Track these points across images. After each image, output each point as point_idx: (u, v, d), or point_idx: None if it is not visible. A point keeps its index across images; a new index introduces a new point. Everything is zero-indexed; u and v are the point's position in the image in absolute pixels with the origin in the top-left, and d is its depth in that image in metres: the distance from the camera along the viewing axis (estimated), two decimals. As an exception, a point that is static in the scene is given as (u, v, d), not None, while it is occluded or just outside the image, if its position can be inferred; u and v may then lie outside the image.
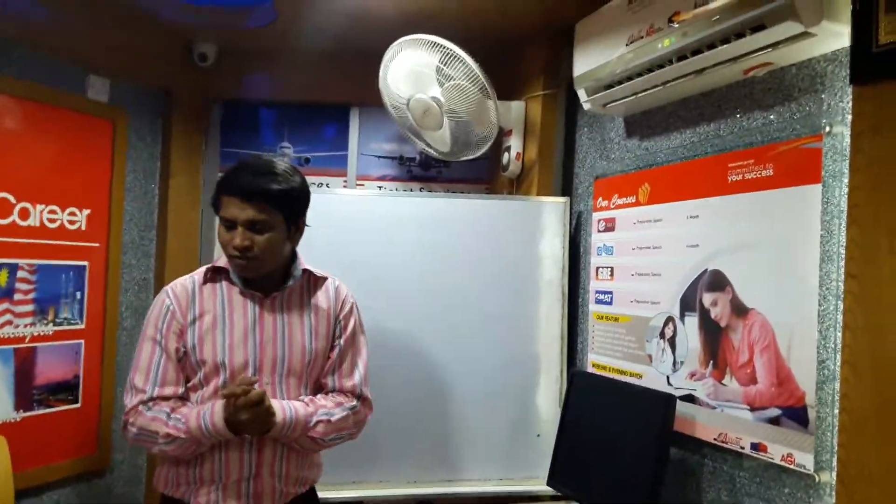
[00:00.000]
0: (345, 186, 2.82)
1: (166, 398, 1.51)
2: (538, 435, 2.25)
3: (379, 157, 2.85)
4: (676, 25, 1.62)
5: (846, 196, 1.32)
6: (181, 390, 1.54)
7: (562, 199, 2.32)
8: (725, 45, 1.52)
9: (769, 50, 1.48)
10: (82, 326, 2.37)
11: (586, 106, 2.06)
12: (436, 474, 2.21)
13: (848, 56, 1.27)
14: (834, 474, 1.39)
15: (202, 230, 2.73)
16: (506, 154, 2.49)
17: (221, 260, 1.60)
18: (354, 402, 1.64)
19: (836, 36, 1.40)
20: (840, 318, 1.37)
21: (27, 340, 2.19)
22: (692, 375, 1.77)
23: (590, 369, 2.19)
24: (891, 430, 1.13)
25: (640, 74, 1.78)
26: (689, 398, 1.77)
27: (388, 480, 2.19)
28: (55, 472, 2.27)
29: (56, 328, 2.28)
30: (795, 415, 1.49)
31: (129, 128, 2.54)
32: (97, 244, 2.42)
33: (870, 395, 1.16)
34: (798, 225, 1.50)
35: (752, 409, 1.59)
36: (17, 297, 2.16)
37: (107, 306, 2.44)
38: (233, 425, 1.44)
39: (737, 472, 1.65)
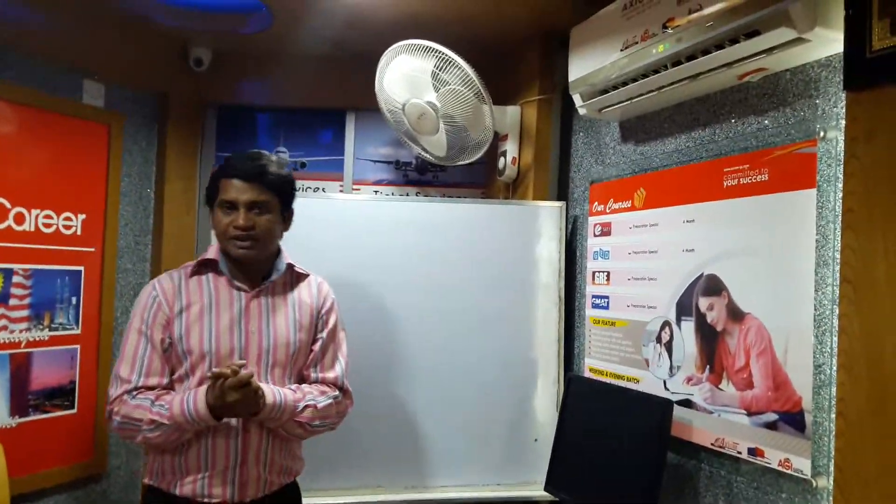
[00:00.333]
0: (341, 191, 2.82)
1: (151, 388, 1.53)
2: (535, 440, 2.25)
3: (375, 161, 2.85)
4: (671, 31, 1.62)
5: (841, 201, 1.33)
6: (166, 381, 1.56)
7: (558, 204, 2.32)
8: (720, 51, 1.52)
9: (763, 55, 1.48)
10: (78, 332, 2.36)
11: (581, 111, 2.06)
12: (433, 479, 2.21)
13: (842, 62, 1.27)
14: (831, 479, 1.39)
15: (198, 234, 2.72)
16: (501, 159, 2.50)
17: (209, 253, 1.65)
18: (337, 392, 1.69)
19: (829, 42, 1.40)
20: (836, 322, 1.38)
21: (23, 346, 2.18)
22: (689, 380, 1.77)
23: (587, 374, 2.19)
24: (887, 435, 1.13)
25: (634, 79, 1.78)
26: (686, 403, 1.77)
27: (384, 486, 2.19)
28: (51, 478, 2.26)
29: (52, 333, 2.27)
30: (792, 419, 1.49)
31: (124, 132, 2.54)
32: (92, 249, 2.41)
33: (866, 399, 1.16)
34: (793, 229, 1.50)
35: (749, 414, 1.59)
36: (12, 302, 2.15)
37: (102, 311, 2.44)
38: (217, 410, 1.46)
39: (734, 477, 1.65)
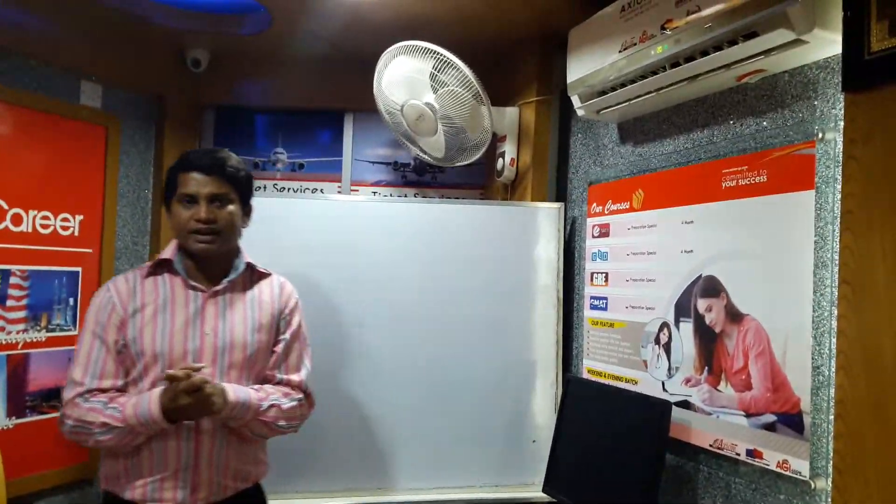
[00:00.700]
0: (339, 192, 2.82)
1: (104, 390, 1.51)
2: (534, 441, 2.25)
3: (373, 162, 2.85)
4: (669, 32, 1.62)
5: (839, 202, 1.33)
6: (120, 383, 1.54)
7: (556, 205, 2.32)
8: (718, 52, 1.52)
9: (762, 57, 1.49)
10: (75, 333, 2.34)
11: (580, 112, 2.06)
12: (431, 481, 2.20)
13: (840, 63, 1.27)
14: (829, 481, 1.39)
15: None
16: (500, 160, 2.49)
17: (165, 252, 1.62)
18: (301, 396, 1.67)
19: (828, 43, 1.40)
20: (834, 323, 1.38)
21: (20, 347, 2.17)
22: (687, 381, 1.77)
23: (585, 375, 2.18)
24: (886, 437, 1.13)
25: (633, 81, 1.78)
26: (685, 404, 1.77)
27: (382, 487, 2.18)
28: (48, 480, 2.25)
29: (49, 334, 2.26)
30: (791, 421, 1.49)
31: (121, 134, 2.53)
32: (90, 250, 2.40)
33: (865, 401, 1.17)
34: (792, 231, 1.51)
35: (748, 416, 1.59)
36: (9, 303, 2.15)
37: (100, 313, 2.42)
38: (170, 412, 1.44)
39: (732, 479, 1.65)
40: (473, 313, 2.25)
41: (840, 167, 1.37)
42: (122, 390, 1.54)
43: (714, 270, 1.71)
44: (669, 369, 1.83)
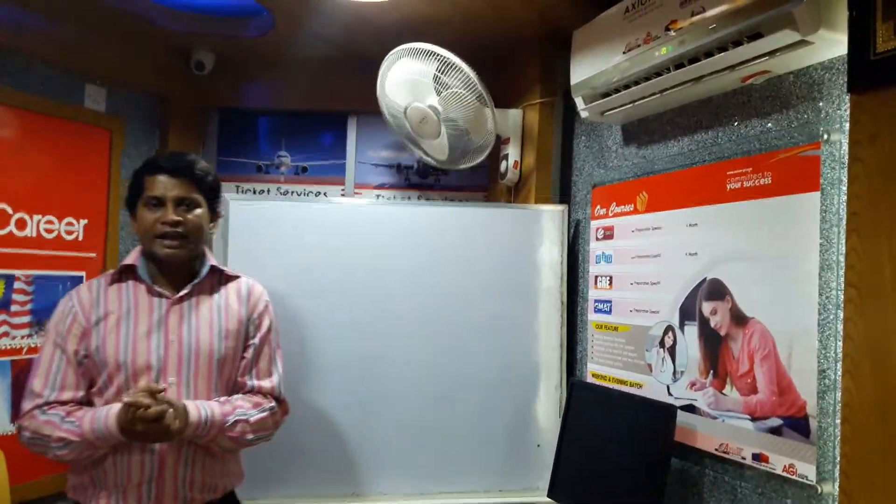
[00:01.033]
0: (343, 195, 2.81)
1: (63, 402, 1.48)
2: (538, 445, 2.24)
3: (377, 165, 2.85)
4: (673, 34, 1.62)
5: (845, 204, 1.32)
6: (80, 394, 1.51)
7: (560, 207, 2.32)
8: (723, 54, 1.51)
9: (767, 58, 1.48)
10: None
11: (584, 114, 2.05)
12: (434, 485, 2.20)
13: (845, 64, 1.26)
14: (836, 485, 1.37)
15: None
16: (503, 162, 2.49)
17: (129, 258, 1.60)
18: (273, 404, 1.63)
19: (833, 44, 1.39)
20: (840, 327, 1.36)
21: (24, 352, 2.18)
22: (692, 385, 1.76)
23: (589, 379, 2.17)
24: (894, 440, 1.12)
25: (637, 82, 1.77)
26: (690, 408, 1.75)
27: (386, 493, 2.17)
28: (52, 485, 2.25)
29: (53, 339, 2.26)
30: (797, 425, 1.48)
31: (126, 137, 2.54)
32: (94, 254, 2.41)
33: (872, 405, 1.15)
34: (797, 233, 1.49)
35: (753, 419, 1.58)
36: (13, 308, 2.15)
37: (104, 317, 2.43)
38: (127, 434, 1.41)
39: (738, 483, 1.64)
40: (477, 316, 2.24)
41: (845, 169, 1.36)
42: (82, 402, 1.51)
43: (719, 273, 1.69)
44: (674, 373, 1.82)
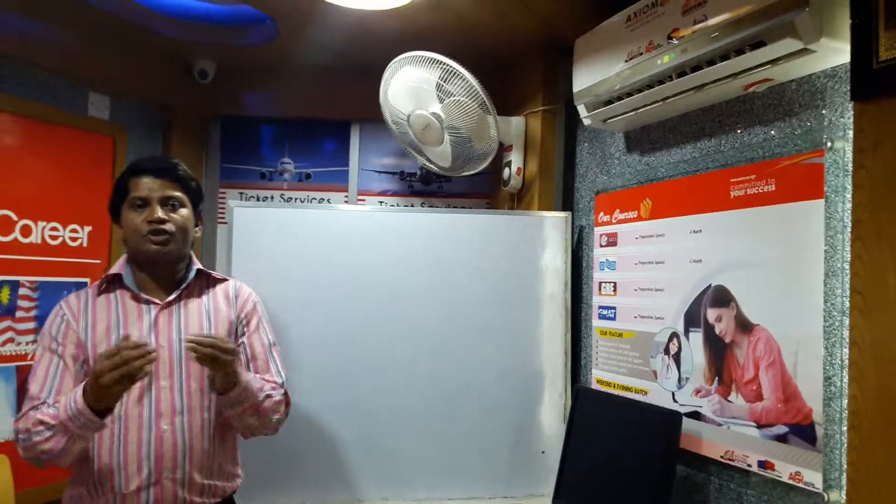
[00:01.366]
0: (346, 202, 2.82)
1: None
2: (543, 452, 2.23)
3: (380, 172, 2.86)
4: (676, 42, 1.62)
5: (849, 211, 1.32)
6: None
7: (563, 214, 2.32)
8: (725, 62, 1.52)
9: (769, 66, 1.48)
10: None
11: (586, 121, 2.06)
12: (439, 491, 2.19)
13: (848, 72, 1.26)
14: (843, 493, 1.37)
15: (202, 246, 2.73)
16: (506, 169, 2.49)
17: (115, 267, 1.61)
18: (283, 391, 1.66)
19: (835, 52, 1.40)
20: (846, 333, 1.36)
21: (29, 358, 2.18)
22: (698, 392, 1.76)
23: (594, 385, 2.17)
24: (900, 449, 1.12)
25: (639, 90, 1.78)
26: (695, 415, 1.75)
27: (390, 498, 2.17)
28: (57, 492, 2.23)
29: (57, 347, 2.27)
30: (803, 432, 1.47)
31: (129, 145, 2.55)
32: (98, 261, 2.42)
33: (879, 412, 1.15)
34: (802, 240, 1.50)
35: (759, 426, 1.58)
36: (18, 314, 2.16)
37: (108, 324, 2.43)
38: (94, 391, 1.34)
39: (744, 490, 1.64)
40: (481, 323, 2.24)
41: (849, 176, 1.36)
42: None
43: (723, 280, 1.70)
44: (679, 380, 1.82)
